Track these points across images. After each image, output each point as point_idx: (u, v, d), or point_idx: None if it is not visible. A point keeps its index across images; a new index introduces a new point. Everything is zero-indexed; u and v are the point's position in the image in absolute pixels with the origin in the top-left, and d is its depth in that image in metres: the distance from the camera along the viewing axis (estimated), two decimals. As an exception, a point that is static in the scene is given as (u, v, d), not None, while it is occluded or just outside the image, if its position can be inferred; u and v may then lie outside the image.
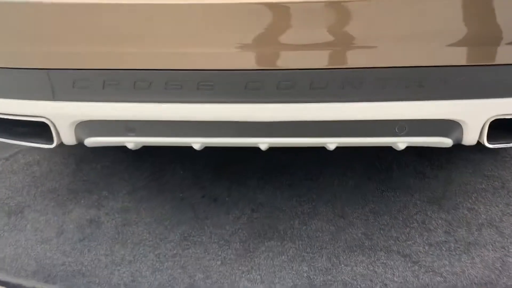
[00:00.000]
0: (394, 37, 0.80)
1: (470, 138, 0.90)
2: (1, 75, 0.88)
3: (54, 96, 0.88)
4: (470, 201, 1.41)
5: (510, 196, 1.43)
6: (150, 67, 0.83)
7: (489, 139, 0.91)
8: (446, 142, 0.94)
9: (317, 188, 1.47)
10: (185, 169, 1.57)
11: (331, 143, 0.97)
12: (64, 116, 0.91)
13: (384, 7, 0.77)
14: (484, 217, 1.34)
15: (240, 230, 1.32)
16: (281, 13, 0.78)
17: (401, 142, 0.96)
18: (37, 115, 0.91)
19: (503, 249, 1.23)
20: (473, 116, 0.87)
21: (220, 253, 1.24)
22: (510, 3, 0.77)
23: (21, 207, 1.43)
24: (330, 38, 0.80)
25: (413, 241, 1.26)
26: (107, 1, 0.78)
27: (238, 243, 1.27)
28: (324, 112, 0.85)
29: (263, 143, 0.98)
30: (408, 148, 1.08)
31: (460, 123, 0.89)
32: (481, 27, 0.79)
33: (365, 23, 0.79)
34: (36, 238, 1.31)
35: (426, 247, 1.24)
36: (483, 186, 1.47)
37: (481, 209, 1.38)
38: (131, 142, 0.99)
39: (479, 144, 1.00)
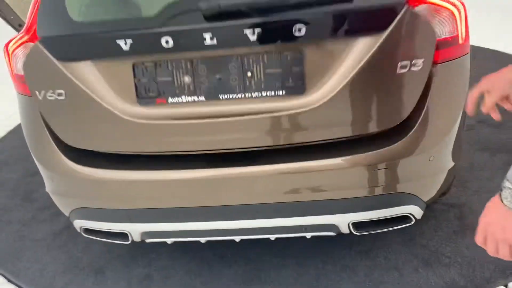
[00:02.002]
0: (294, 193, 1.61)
1: (344, 231, 1.68)
2: (103, 211, 1.73)
3: (130, 220, 1.71)
4: (386, 251, 2.15)
5: (415, 247, 2.16)
6: (174, 206, 1.67)
7: (358, 229, 1.67)
8: (331, 234, 1.71)
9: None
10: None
11: (270, 236, 1.80)
12: (136, 230, 1.75)
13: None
14: (393, 263, 2.08)
15: (236, 279, 2.11)
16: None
17: (306, 235, 1.75)
18: (122, 230, 1.76)
19: (398, 284, 1.97)
20: (341, 222, 1.63)
21: (224, 294, 2.04)
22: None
23: (102, 268, 2.28)
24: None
25: (343, 282, 2.02)
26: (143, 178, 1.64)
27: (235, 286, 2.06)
28: (260, 223, 1.67)
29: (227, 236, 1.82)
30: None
31: (336, 224, 1.65)
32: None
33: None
34: (114, 289, 2.15)
35: (351, 285, 1.99)
36: (398, 239, 2.21)
37: (393, 257, 2.11)
38: (170, 241, 1.84)
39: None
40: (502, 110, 3.63)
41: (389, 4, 1.43)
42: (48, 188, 1.88)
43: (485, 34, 5.19)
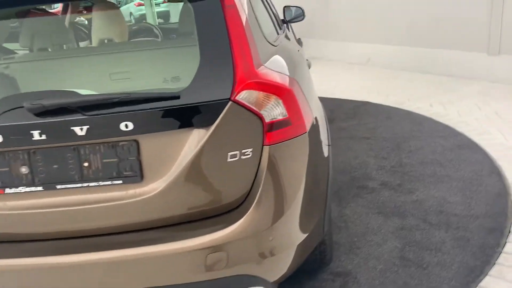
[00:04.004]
0: None
1: None
2: None
3: None
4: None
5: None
6: None
7: None
8: None
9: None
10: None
11: None
12: None
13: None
14: None
15: None
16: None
17: None
18: None
19: None
20: None
21: None
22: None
23: None
24: None
25: None
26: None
27: None
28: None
29: None
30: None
31: None
32: None
33: None
34: None
35: None
36: None
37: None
38: None
39: None
40: (402, 172, 3.74)
41: (214, 100, 1.51)
42: None
43: (401, 97, 5.48)
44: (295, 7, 4.05)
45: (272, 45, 1.89)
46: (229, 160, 1.53)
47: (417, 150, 3.78)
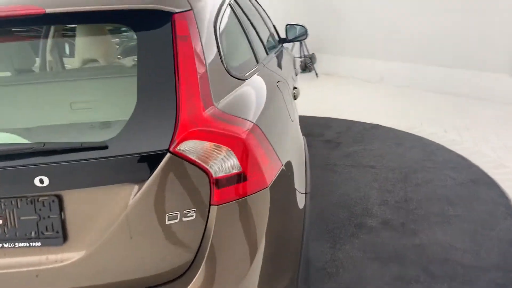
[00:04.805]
0: None
1: None
2: None
3: None
4: None
5: None
6: None
7: None
8: None
9: None
10: None
11: None
12: None
13: None
14: None
15: None
16: None
17: None
18: None
19: None
20: None
21: None
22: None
23: None
24: None
25: None
26: None
27: None
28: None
29: None
30: None
31: None
32: None
33: None
34: None
35: None
36: None
37: None
38: None
39: None
40: (407, 209, 3.38)
41: (149, 151, 1.26)
42: None
43: (413, 120, 5.15)
44: (299, 26, 3.81)
45: (240, 79, 1.63)
46: (167, 222, 1.28)
47: (425, 183, 3.45)
